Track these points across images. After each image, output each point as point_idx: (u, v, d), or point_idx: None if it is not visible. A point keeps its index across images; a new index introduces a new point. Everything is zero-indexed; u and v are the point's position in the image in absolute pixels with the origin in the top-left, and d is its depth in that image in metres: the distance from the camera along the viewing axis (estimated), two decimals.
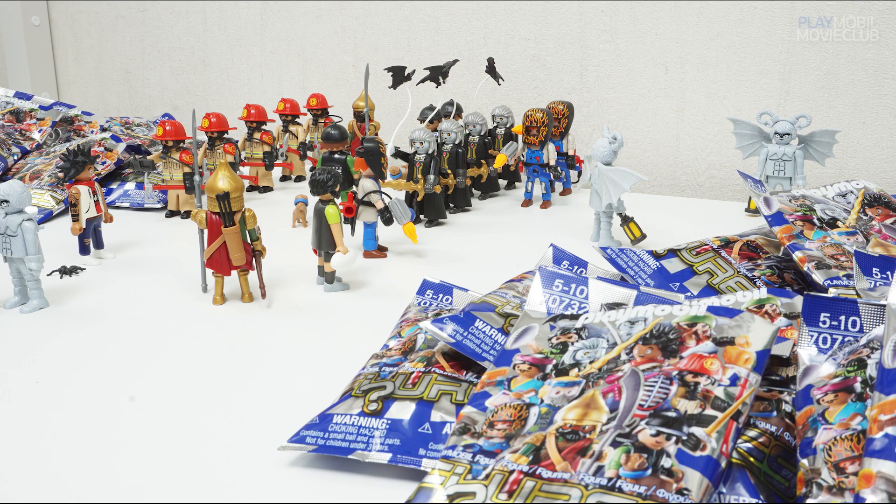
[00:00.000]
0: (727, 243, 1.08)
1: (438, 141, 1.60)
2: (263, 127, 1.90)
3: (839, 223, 1.02)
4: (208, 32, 2.51)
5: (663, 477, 0.59)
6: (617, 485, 0.60)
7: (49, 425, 0.83)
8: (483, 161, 1.71)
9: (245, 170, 1.92)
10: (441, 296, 1.01)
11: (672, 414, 0.64)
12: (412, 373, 0.79)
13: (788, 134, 1.51)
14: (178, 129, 1.64)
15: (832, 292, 0.86)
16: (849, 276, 0.91)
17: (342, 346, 1.01)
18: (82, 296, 1.21)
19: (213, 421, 0.83)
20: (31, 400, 0.88)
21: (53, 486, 0.72)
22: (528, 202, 1.70)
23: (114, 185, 1.80)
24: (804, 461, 0.62)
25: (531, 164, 1.66)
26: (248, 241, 1.16)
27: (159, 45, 2.61)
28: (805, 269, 0.93)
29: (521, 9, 2.05)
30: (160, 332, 1.07)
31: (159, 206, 1.72)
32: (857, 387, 0.65)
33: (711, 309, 0.74)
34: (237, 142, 1.83)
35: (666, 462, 0.60)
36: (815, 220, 1.02)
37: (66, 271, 1.30)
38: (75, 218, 1.33)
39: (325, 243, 1.20)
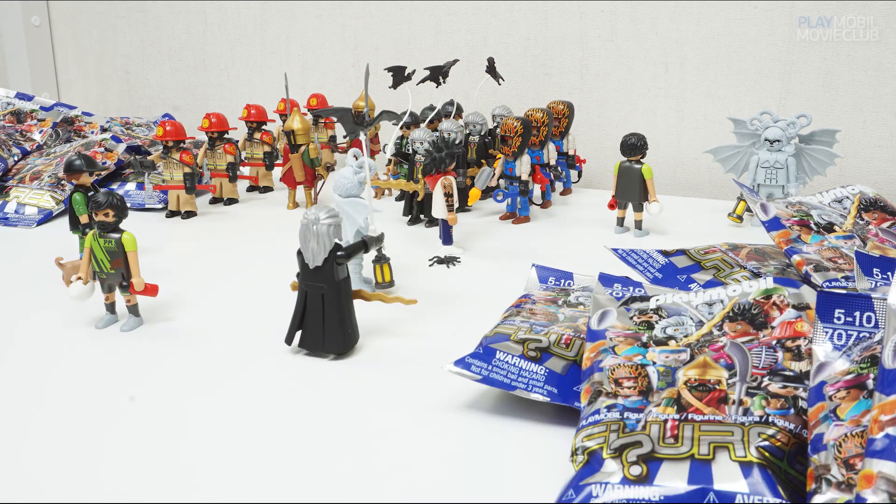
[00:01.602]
0: (735, 247, 1.11)
1: None
2: (264, 127, 1.90)
3: (836, 228, 1.02)
4: (208, 32, 2.51)
5: (804, 417, 0.65)
6: (770, 419, 0.66)
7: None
8: (483, 161, 1.71)
9: (245, 170, 1.92)
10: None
11: (789, 373, 0.71)
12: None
13: (779, 140, 1.48)
14: (178, 130, 1.64)
15: None
16: (847, 279, 0.91)
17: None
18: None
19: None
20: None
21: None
22: (509, 216, 1.62)
23: (114, 186, 1.81)
24: (815, 457, 0.62)
25: (507, 176, 1.57)
26: (312, 167, 1.70)
27: (159, 45, 2.61)
28: (803, 271, 0.93)
29: (521, 9, 2.05)
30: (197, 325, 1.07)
31: (160, 206, 1.72)
32: (870, 384, 0.66)
33: (778, 280, 0.80)
34: (237, 142, 1.83)
35: (803, 405, 0.67)
36: (812, 225, 1.02)
37: (443, 261, 1.32)
38: (451, 209, 1.36)
39: (638, 196, 1.47)
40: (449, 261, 1.33)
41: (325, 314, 0.96)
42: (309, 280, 0.97)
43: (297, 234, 0.97)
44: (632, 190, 1.48)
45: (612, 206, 1.53)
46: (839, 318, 0.73)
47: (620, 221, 1.53)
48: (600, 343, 0.79)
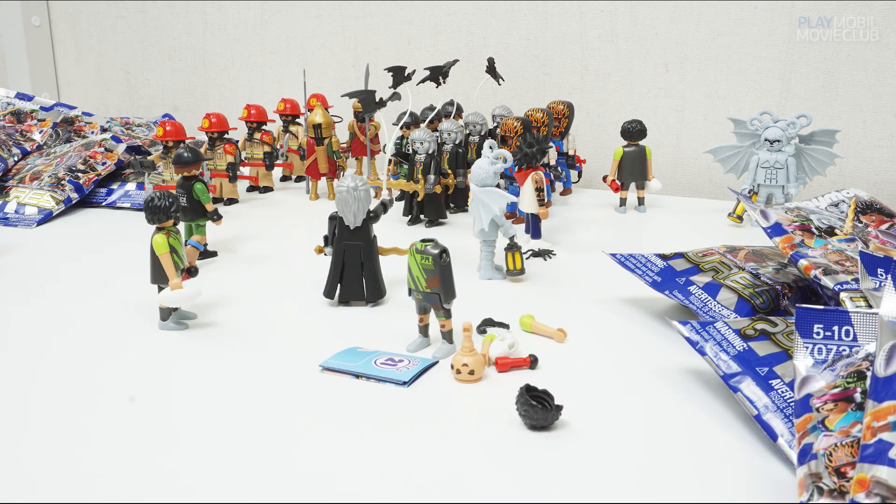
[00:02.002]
0: (733, 249, 1.11)
1: (438, 141, 1.60)
2: (264, 127, 1.90)
3: (837, 231, 1.02)
4: (208, 32, 2.51)
5: None
6: None
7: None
8: None
9: (245, 170, 1.92)
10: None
11: None
12: None
13: (779, 141, 1.48)
14: (178, 130, 1.64)
15: (843, 297, 0.86)
16: (858, 280, 0.91)
17: None
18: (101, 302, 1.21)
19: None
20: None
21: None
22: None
23: (114, 186, 1.81)
24: (804, 466, 0.63)
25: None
26: (334, 159, 1.79)
27: (159, 45, 2.61)
28: (812, 276, 0.92)
29: (521, 9, 2.05)
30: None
31: None
32: (857, 397, 0.66)
33: None
34: (237, 142, 1.83)
35: None
36: (814, 230, 1.02)
37: (538, 254, 1.35)
38: (541, 203, 1.37)
39: (642, 175, 1.63)
40: (545, 253, 1.36)
41: (363, 268, 1.12)
42: (348, 239, 1.12)
43: (336, 204, 1.11)
44: (637, 171, 1.63)
45: (616, 189, 1.64)
46: (818, 333, 0.73)
47: (623, 202, 1.66)
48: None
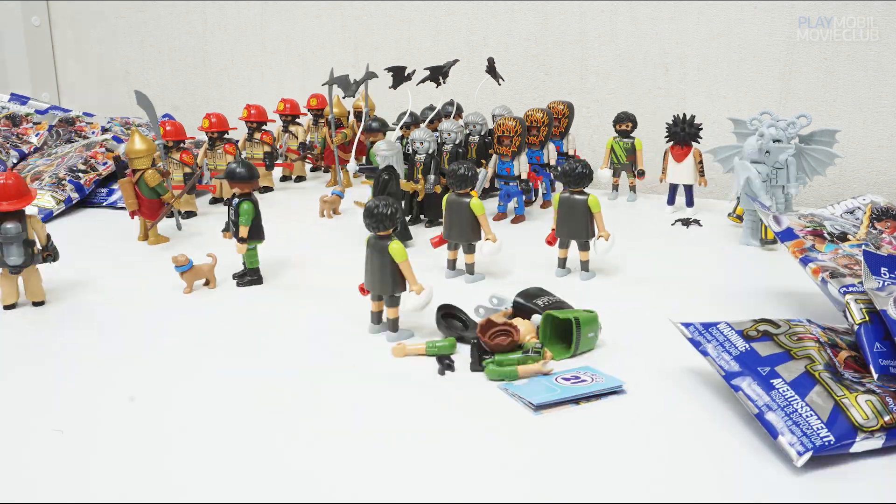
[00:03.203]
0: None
1: (438, 141, 1.60)
2: (264, 127, 1.90)
3: (849, 237, 1.02)
4: (208, 32, 2.51)
5: None
6: None
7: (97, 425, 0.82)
8: (483, 161, 1.71)
9: None
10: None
11: None
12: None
13: (779, 140, 1.48)
14: (178, 129, 1.64)
15: (848, 299, 0.85)
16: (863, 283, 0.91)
17: None
18: (83, 293, 1.21)
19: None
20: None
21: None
22: (501, 216, 1.62)
23: (115, 186, 1.80)
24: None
25: (503, 176, 1.59)
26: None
27: (159, 46, 2.61)
28: (819, 279, 0.92)
29: (521, 9, 2.05)
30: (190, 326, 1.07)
31: None
32: (826, 235, 0.99)
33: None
34: (237, 142, 1.83)
35: None
36: (826, 235, 1.01)
37: (687, 222, 1.52)
38: (702, 174, 1.63)
39: (633, 165, 1.74)
40: (693, 221, 1.53)
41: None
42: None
43: (391, 162, 1.42)
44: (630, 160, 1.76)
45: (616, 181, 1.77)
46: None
47: (616, 187, 1.79)
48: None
